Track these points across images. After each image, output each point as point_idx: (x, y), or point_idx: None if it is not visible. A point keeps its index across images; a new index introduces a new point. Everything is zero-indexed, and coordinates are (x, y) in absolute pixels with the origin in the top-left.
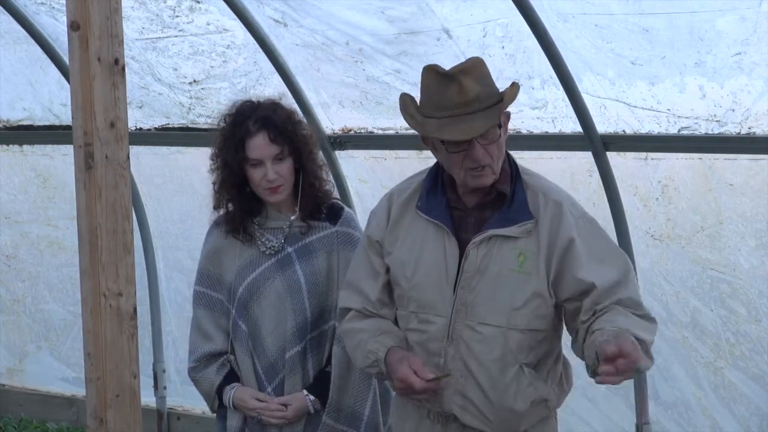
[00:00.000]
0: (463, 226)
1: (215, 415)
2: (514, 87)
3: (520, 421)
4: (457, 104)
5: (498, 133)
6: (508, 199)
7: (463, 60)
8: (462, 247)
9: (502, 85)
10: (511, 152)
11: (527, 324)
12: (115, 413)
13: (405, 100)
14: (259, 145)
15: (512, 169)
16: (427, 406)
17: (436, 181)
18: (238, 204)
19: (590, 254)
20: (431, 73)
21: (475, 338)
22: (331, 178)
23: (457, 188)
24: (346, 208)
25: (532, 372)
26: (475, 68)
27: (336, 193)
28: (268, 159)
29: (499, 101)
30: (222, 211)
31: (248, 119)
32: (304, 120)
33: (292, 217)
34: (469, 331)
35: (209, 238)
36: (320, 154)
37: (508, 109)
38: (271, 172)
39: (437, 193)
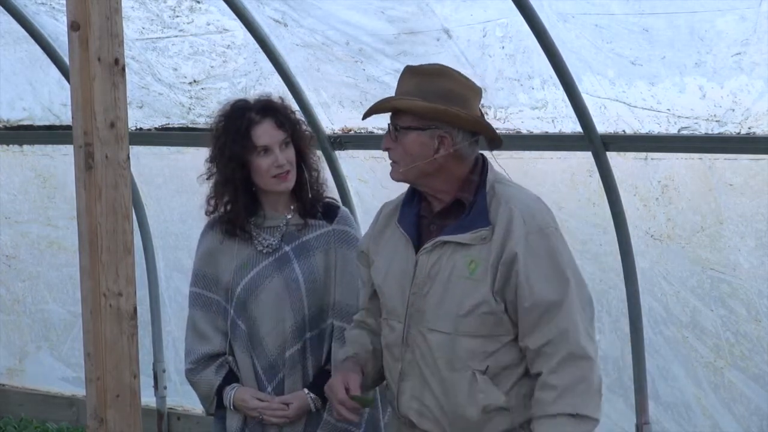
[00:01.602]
0: (426, 234)
1: (213, 417)
2: (401, 102)
3: (475, 430)
4: (396, 93)
5: (395, 135)
6: (467, 207)
7: (462, 60)
8: None
9: (501, 84)
10: (511, 152)
11: (475, 330)
12: (115, 413)
13: None
14: (267, 131)
15: (481, 180)
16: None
17: (414, 191)
18: (242, 201)
19: (531, 272)
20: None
21: (426, 344)
22: (330, 182)
23: (427, 197)
24: (342, 207)
25: (485, 379)
26: (430, 74)
27: (335, 194)
28: (276, 144)
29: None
30: (219, 213)
31: (249, 110)
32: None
33: (289, 216)
34: (421, 337)
35: (204, 239)
36: (317, 154)
37: (445, 133)
38: (280, 157)
39: (413, 203)
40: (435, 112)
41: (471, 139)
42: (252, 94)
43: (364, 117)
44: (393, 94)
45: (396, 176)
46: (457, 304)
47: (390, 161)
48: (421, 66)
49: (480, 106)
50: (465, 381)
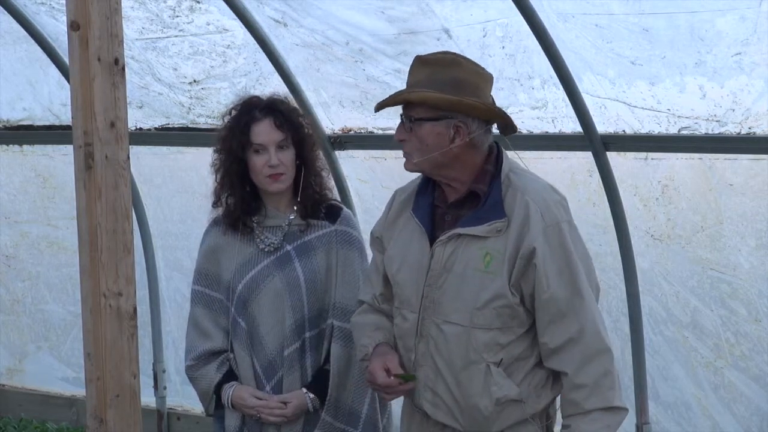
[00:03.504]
0: (441, 224)
1: (212, 417)
2: (418, 94)
3: (488, 421)
4: (407, 84)
5: (409, 127)
6: (482, 198)
7: None
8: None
9: (502, 85)
10: (511, 152)
11: (490, 323)
12: (115, 413)
13: None
14: (264, 130)
15: (496, 169)
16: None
17: (428, 180)
18: (239, 196)
19: (549, 266)
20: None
21: (441, 335)
22: (332, 182)
23: (442, 186)
24: (345, 208)
25: (499, 371)
26: (441, 63)
27: (336, 196)
28: (272, 145)
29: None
30: (221, 209)
31: (255, 108)
32: (309, 120)
33: (291, 216)
34: (436, 329)
35: (207, 236)
36: (322, 157)
37: (460, 123)
38: (273, 157)
39: (426, 193)
40: (450, 103)
41: (485, 127)
42: (265, 93)
43: (377, 110)
44: (394, 94)
45: (410, 167)
46: (473, 297)
47: (403, 152)
48: (431, 55)
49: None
50: (479, 373)
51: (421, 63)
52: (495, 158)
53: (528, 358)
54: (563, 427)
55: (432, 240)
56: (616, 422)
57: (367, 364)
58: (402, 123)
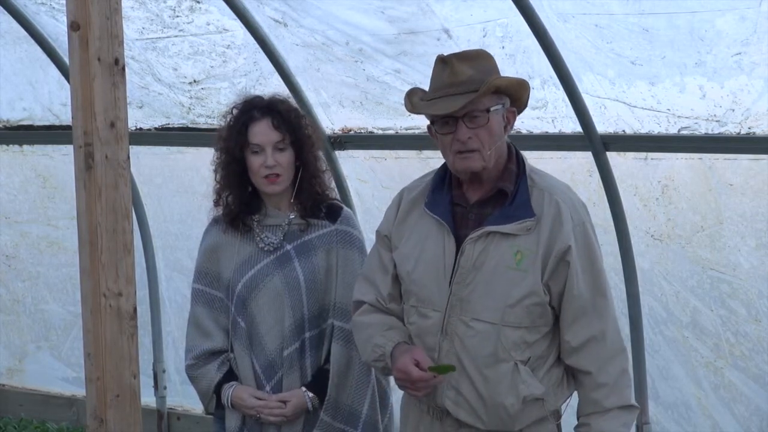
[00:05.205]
0: (463, 222)
1: (212, 416)
2: (500, 79)
3: (512, 420)
4: (447, 84)
5: (486, 118)
6: (509, 196)
7: None
8: (460, 243)
9: None
10: None
11: (521, 321)
12: (115, 413)
13: (413, 89)
14: (262, 131)
15: (519, 169)
16: (426, 402)
17: (443, 179)
18: (237, 194)
19: (578, 264)
20: (437, 59)
21: (468, 333)
22: (333, 183)
23: (461, 184)
24: (345, 208)
25: (527, 370)
26: (476, 57)
27: (337, 196)
28: (269, 145)
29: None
30: (221, 208)
31: (254, 108)
32: (310, 120)
33: (291, 216)
34: (463, 326)
35: (207, 235)
36: (322, 158)
37: (513, 108)
38: (270, 158)
39: (443, 191)
40: (519, 85)
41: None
42: (267, 93)
43: (460, 108)
44: (392, 94)
45: (479, 164)
46: (505, 295)
47: (468, 151)
48: (464, 52)
49: None
50: (507, 371)
51: (459, 59)
52: (516, 158)
53: (547, 357)
54: (581, 425)
55: (456, 238)
56: (632, 420)
57: (383, 363)
58: (462, 122)
